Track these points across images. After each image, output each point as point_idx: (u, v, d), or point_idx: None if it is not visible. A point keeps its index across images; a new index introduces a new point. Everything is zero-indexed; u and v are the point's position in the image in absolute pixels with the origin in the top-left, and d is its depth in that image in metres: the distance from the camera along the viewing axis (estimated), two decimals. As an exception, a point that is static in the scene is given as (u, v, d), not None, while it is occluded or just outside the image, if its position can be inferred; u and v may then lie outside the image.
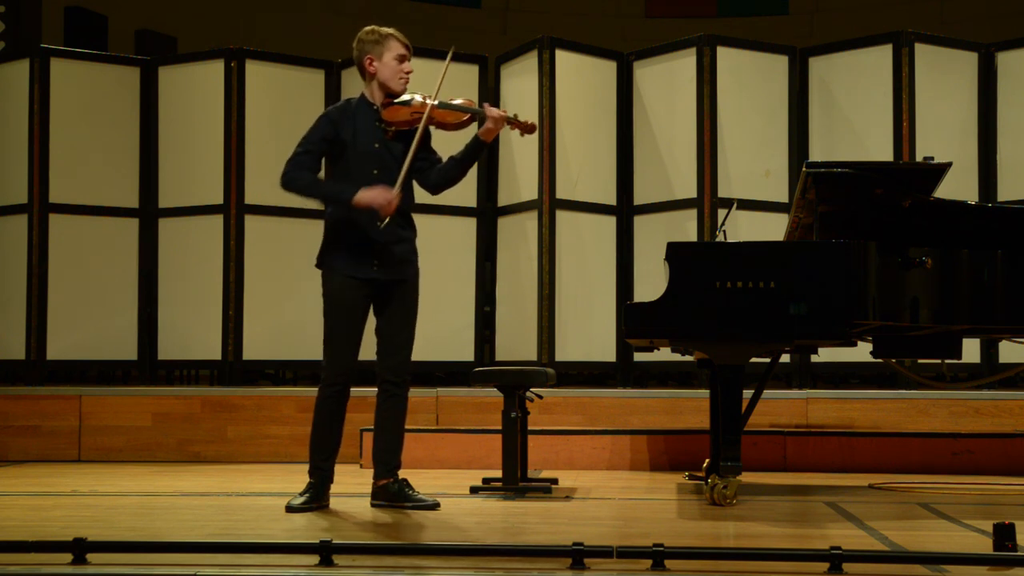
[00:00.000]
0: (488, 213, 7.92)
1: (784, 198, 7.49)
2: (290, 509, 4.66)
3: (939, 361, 5.74)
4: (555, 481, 5.53)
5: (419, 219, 4.95)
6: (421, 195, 4.96)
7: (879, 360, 5.48)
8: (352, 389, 4.82)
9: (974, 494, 5.41)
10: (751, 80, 7.58)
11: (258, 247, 7.73)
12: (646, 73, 7.71)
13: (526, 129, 4.89)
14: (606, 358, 7.59)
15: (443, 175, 4.90)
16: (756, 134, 7.57)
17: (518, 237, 7.65)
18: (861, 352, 5.70)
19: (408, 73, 4.83)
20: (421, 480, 5.17)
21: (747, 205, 7.15)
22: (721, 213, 6.66)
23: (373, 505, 4.83)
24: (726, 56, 7.47)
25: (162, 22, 12.29)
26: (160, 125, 7.95)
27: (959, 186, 7.03)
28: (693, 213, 7.39)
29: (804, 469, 6.32)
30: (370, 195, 4.65)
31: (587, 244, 7.60)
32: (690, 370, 7.59)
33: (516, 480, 5.26)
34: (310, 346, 7.61)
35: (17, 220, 7.71)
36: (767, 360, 5.45)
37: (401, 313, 4.84)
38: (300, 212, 7.79)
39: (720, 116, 7.42)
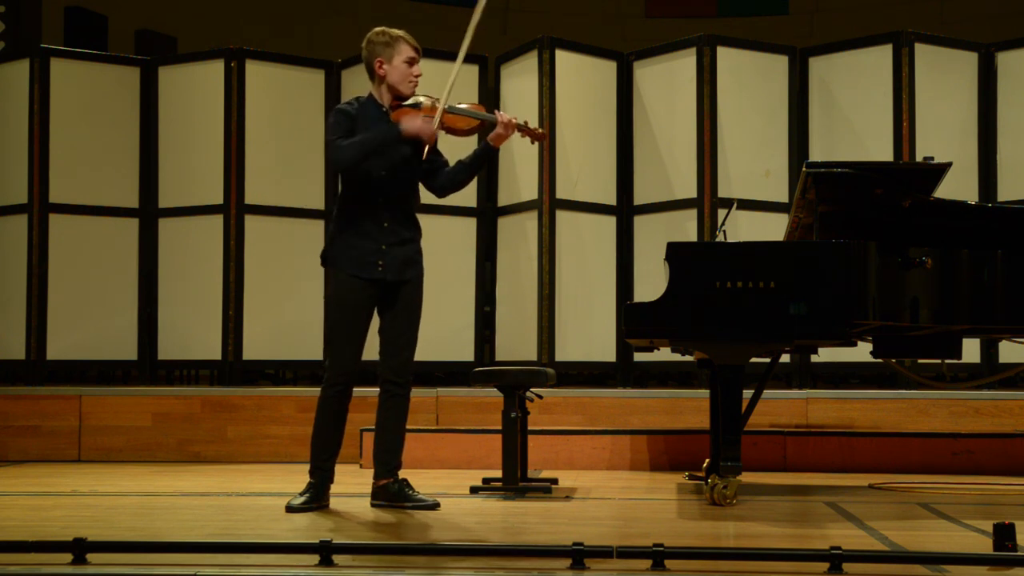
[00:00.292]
0: (488, 213, 7.92)
1: (784, 198, 7.48)
2: (290, 509, 4.66)
3: (939, 361, 5.74)
4: (555, 481, 5.53)
5: (419, 219, 4.93)
6: (421, 195, 4.96)
7: (879, 360, 5.48)
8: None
9: (974, 494, 5.41)
10: (751, 80, 7.58)
11: (258, 247, 7.73)
12: (646, 73, 7.71)
13: (536, 137, 4.88)
14: (606, 358, 7.59)
15: (451, 179, 4.89)
16: (756, 134, 7.57)
17: (518, 237, 7.65)
18: (861, 352, 5.70)
19: (417, 76, 4.81)
20: (421, 480, 5.17)
21: (747, 205, 7.15)
22: (721, 213, 6.65)
23: (373, 505, 4.82)
24: (726, 56, 7.47)
25: (162, 22, 12.29)
26: (160, 125, 7.94)
27: (959, 186, 7.03)
28: (693, 213, 7.39)
29: (804, 469, 6.32)
30: (416, 125, 4.65)
31: (587, 244, 7.60)
32: (690, 370, 7.58)
33: (516, 480, 5.26)
34: (310, 346, 7.66)
35: (17, 220, 7.70)
36: (767, 360, 5.45)
37: (405, 314, 4.82)
38: (300, 212, 7.80)
39: (720, 116, 7.42)
